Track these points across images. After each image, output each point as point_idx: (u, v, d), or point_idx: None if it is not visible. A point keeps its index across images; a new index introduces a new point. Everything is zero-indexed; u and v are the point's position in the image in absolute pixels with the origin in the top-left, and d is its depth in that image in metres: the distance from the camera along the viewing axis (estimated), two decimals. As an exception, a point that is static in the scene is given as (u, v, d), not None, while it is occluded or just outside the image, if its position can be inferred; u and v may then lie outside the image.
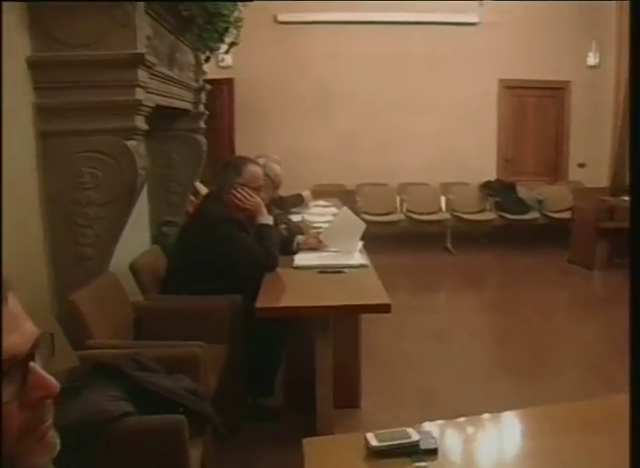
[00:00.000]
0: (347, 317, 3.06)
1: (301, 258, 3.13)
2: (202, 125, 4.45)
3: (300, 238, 3.41)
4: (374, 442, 1.27)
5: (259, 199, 3.08)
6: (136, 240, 3.65)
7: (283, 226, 3.91)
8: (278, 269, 2.95)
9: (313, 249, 3.33)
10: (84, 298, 2.44)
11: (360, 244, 3.39)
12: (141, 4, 2.60)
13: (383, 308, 2.39)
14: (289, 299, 2.55)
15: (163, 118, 4.17)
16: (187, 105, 4.10)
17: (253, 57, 7.47)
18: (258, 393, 3.13)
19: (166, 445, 1.70)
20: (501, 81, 7.58)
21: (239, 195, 3.03)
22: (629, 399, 1.14)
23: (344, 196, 6.46)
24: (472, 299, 5.56)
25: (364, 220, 6.69)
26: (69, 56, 2.49)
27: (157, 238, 3.83)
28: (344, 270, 2.90)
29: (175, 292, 2.97)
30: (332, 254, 3.18)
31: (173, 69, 3.52)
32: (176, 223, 3.93)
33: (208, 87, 4.46)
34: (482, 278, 6.25)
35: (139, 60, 2.51)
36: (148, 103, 2.70)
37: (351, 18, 7.36)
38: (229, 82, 7.33)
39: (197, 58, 4.23)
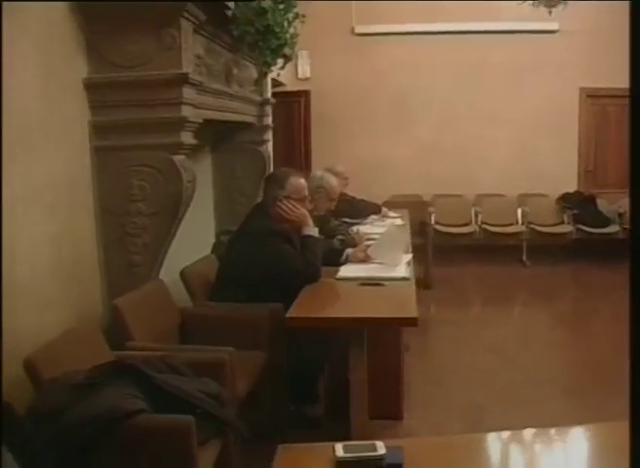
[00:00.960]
0: (387, 328, 3.08)
1: (347, 270, 3.18)
2: (266, 137, 4.60)
3: (349, 250, 3.45)
4: (340, 453, 1.30)
5: (304, 210, 3.15)
6: (199, 248, 3.85)
7: (339, 237, 3.97)
8: (321, 280, 3.01)
9: (362, 261, 3.36)
10: (127, 303, 2.61)
11: (408, 257, 3.38)
12: (190, 26, 2.75)
13: (410, 322, 2.40)
14: (318, 310, 2.60)
15: (227, 131, 4.38)
16: (250, 119, 4.27)
17: (330, 68, 7.61)
18: (300, 400, 3.19)
19: (175, 444, 1.81)
20: (583, 89, 7.30)
21: (285, 207, 3.12)
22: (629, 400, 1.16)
23: (418, 207, 6.42)
24: (540, 314, 5.39)
25: (437, 232, 6.76)
26: (121, 77, 2.69)
27: (215, 246, 3.99)
28: (385, 283, 2.91)
29: (223, 300, 3.09)
30: (378, 267, 3.20)
31: (230, 85, 3.69)
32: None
33: (272, 100, 4.60)
34: (554, 292, 6.02)
35: (183, 80, 2.67)
36: (195, 119, 2.85)
37: (428, 28, 7.34)
38: (306, 94, 7.50)
39: (260, 73, 4.38)
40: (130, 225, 2.83)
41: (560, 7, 5.00)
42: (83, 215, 2.73)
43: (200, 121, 2.92)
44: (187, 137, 2.82)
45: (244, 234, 3.13)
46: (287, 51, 3.61)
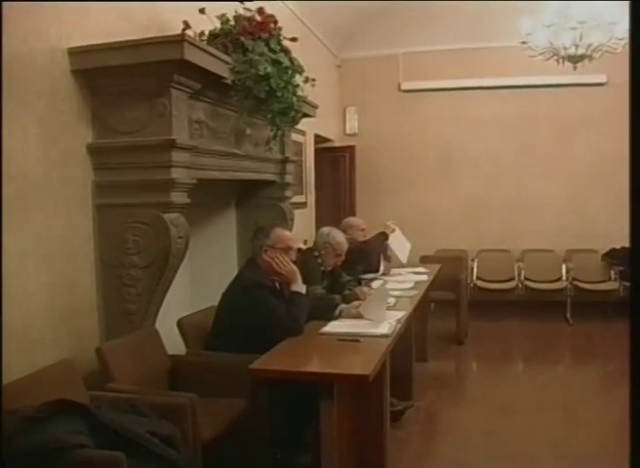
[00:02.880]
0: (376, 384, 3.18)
1: (333, 325, 3.33)
2: (287, 194, 4.86)
3: (343, 306, 3.60)
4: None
5: (294, 267, 3.36)
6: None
7: (346, 292, 4.12)
8: (305, 334, 3.18)
9: (355, 317, 3.49)
10: (113, 348, 2.89)
11: (399, 314, 3.50)
12: (183, 94, 3.08)
13: (360, 379, 2.52)
14: (280, 363, 2.75)
15: (249, 188, 4.69)
16: (268, 176, 4.55)
17: (377, 123, 7.90)
18: (287, 449, 3.32)
19: (107, 478, 2.02)
20: (634, 142, 7.17)
21: (277, 260, 3.34)
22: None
23: (454, 262, 6.47)
24: (568, 374, 5.27)
25: (477, 287, 6.76)
26: (119, 142, 3.04)
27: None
28: (361, 339, 3.04)
29: (216, 349, 3.31)
30: (364, 323, 3.33)
31: (242, 145, 3.98)
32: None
33: (294, 158, 4.88)
34: (591, 352, 5.84)
35: (171, 145, 2.97)
36: (187, 181, 3.15)
37: (473, 83, 7.51)
38: (351, 149, 7.78)
39: (275, 133, 4.68)
40: (126, 276, 3.13)
41: (585, 61, 5.07)
42: (83, 266, 3.06)
43: (193, 182, 3.21)
44: (178, 197, 3.10)
45: (234, 286, 3.36)
46: (293, 114, 3.86)
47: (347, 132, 8.05)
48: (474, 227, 7.64)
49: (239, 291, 3.31)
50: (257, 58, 3.45)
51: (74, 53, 2.89)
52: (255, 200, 4.82)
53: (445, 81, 7.58)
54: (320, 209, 7.27)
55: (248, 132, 4.06)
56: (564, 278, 6.99)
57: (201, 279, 4.70)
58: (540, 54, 5.23)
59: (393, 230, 5.15)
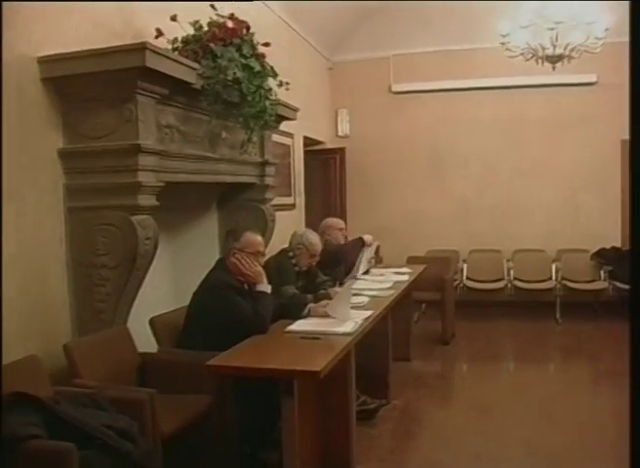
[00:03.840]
0: (340, 381, 3.30)
1: (299, 324, 3.45)
2: (268, 196, 4.98)
3: (312, 305, 3.72)
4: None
5: (260, 268, 3.50)
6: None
7: (321, 292, 4.23)
8: (270, 332, 3.31)
9: (322, 316, 3.60)
10: (81, 345, 3.04)
11: (365, 314, 3.61)
12: (150, 100, 3.21)
13: (312, 375, 2.63)
14: (237, 359, 2.87)
15: (230, 190, 4.82)
16: (246, 179, 4.68)
17: (369, 125, 8.02)
18: (256, 446, 3.44)
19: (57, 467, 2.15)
20: (625, 142, 7.23)
21: (243, 262, 3.47)
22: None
23: (442, 262, 6.56)
24: (551, 373, 5.35)
25: (467, 287, 6.86)
26: (88, 147, 3.18)
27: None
28: (321, 337, 3.16)
29: (186, 347, 3.44)
30: (330, 322, 3.44)
31: (217, 149, 4.11)
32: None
33: (273, 161, 4.99)
34: (577, 351, 5.90)
35: (137, 149, 3.11)
36: (155, 184, 3.29)
37: (464, 84, 7.61)
38: (341, 151, 7.90)
39: (263, 135, 4.82)
40: (96, 276, 3.27)
41: (564, 61, 5.15)
42: (55, 266, 3.20)
43: (161, 185, 3.35)
44: (146, 200, 3.24)
45: (203, 286, 3.49)
46: (267, 118, 3.98)
47: (339, 134, 8.17)
48: (465, 228, 7.73)
49: (207, 290, 3.45)
50: (225, 63, 3.58)
51: (43, 61, 3.02)
52: (235, 202, 4.96)
53: (436, 82, 7.68)
54: (311, 211, 7.39)
55: (224, 135, 4.19)
56: (554, 278, 7.06)
57: (184, 278, 4.81)
58: (520, 54, 5.32)
59: (370, 245, 5.24)
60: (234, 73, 3.64)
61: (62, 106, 3.19)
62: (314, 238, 4.28)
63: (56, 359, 3.05)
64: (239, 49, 3.80)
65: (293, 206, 6.79)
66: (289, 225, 6.16)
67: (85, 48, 3.07)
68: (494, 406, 4.39)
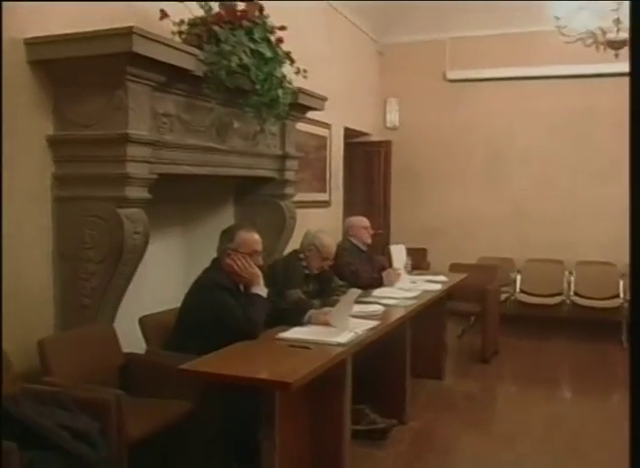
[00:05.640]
0: (330, 394, 3.36)
1: (294, 331, 3.52)
2: (288, 191, 5.07)
3: (313, 312, 3.78)
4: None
5: (256, 270, 3.59)
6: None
7: (334, 297, 4.29)
8: (260, 338, 3.40)
9: (323, 324, 3.66)
10: (57, 341, 3.20)
11: (369, 324, 3.65)
12: (143, 87, 3.35)
13: (283, 386, 2.71)
14: (212, 365, 2.96)
15: (248, 184, 4.94)
16: (262, 173, 4.79)
17: (420, 117, 8.01)
18: (244, 459, 3.53)
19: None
20: None
21: (239, 263, 3.57)
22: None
23: (485, 271, 6.51)
24: (596, 405, 5.17)
25: (518, 302, 6.78)
26: (77, 135, 3.35)
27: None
28: (311, 347, 3.22)
29: (174, 349, 3.56)
30: (327, 330, 3.50)
31: (226, 139, 4.22)
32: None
33: (296, 154, 5.08)
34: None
35: (125, 139, 3.25)
36: (146, 176, 3.42)
37: (526, 72, 7.49)
38: (387, 144, 7.91)
39: (284, 126, 4.91)
40: (81, 270, 3.44)
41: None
42: (39, 257, 3.38)
43: (154, 177, 3.48)
44: (135, 192, 3.38)
45: (195, 286, 3.61)
46: (280, 108, 4.06)
47: (388, 125, 8.17)
48: (522, 233, 7.63)
49: (199, 291, 3.56)
50: (229, 48, 3.68)
51: (31, 43, 3.20)
52: (252, 197, 5.08)
53: (495, 70, 7.59)
54: (351, 208, 7.43)
55: (235, 125, 4.29)
56: (621, 295, 6.86)
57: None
58: (578, 39, 5.20)
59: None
60: (240, 59, 3.74)
61: (53, 91, 3.37)
62: (326, 239, 4.34)
63: (36, 355, 3.22)
64: (250, 32, 3.91)
65: (327, 203, 6.87)
66: (323, 224, 6.23)
67: (83, 29, 3.20)
68: (519, 435, 4.33)
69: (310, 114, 5.45)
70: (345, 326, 3.52)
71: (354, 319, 3.73)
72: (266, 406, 2.95)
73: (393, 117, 8.13)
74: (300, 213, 5.76)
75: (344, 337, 3.37)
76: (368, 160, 7.88)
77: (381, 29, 7.92)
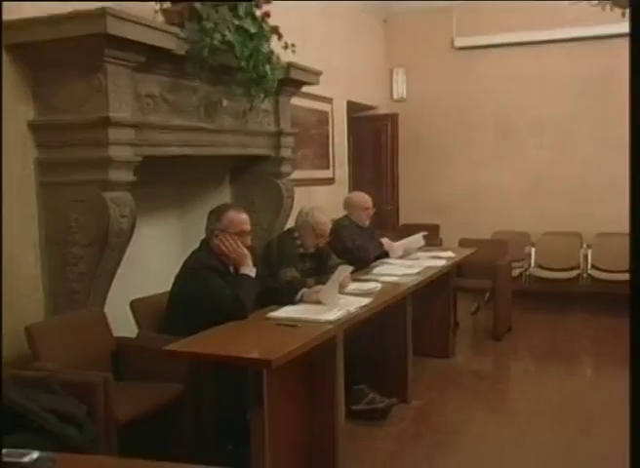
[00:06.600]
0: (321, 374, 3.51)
1: (285, 310, 3.67)
2: (285, 169, 5.21)
3: (305, 290, 3.91)
4: None
5: (245, 250, 3.72)
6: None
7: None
8: (251, 318, 3.55)
9: (315, 302, 3.80)
10: (46, 327, 3.38)
11: (362, 301, 3.78)
12: (123, 68, 3.49)
13: (265, 364, 2.85)
14: (196, 345, 3.12)
15: (244, 163, 5.08)
16: (256, 151, 4.92)
17: (427, 87, 8.09)
18: (236, 440, 3.70)
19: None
20: None
21: (227, 243, 3.71)
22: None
23: (500, 246, 6.60)
24: (608, 381, 5.26)
25: (534, 276, 6.86)
26: (58, 119, 3.49)
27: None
28: (298, 324, 3.37)
29: (167, 332, 3.72)
30: (318, 308, 3.63)
31: (215, 118, 4.35)
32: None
33: (291, 130, 5.20)
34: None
35: (107, 122, 3.39)
36: (130, 159, 3.57)
37: (539, 37, 7.50)
38: (393, 117, 7.99)
39: (277, 102, 5.04)
40: (69, 254, 3.61)
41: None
42: (27, 244, 3.56)
43: (138, 159, 3.63)
44: (119, 175, 3.53)
45: (183, 268, 3.76)
46: (268, 84, 4.18)
47: (394, 97, 8.24)
48: (539, 206, 7.71)
49: (187, 272, 3.71)
50: (211, 25, 3.79)
51: (5, 27, 3.32)
52: (248, 176, 5.24)
53: (506, 35, 7.63)
54: (359, 184, 7.54)
55: (224, 104, 4.42)
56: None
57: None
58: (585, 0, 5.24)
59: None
60: (223, 36, 3.85)
61: (32, 76, 3.51)
62: (321, 217, 4.45)
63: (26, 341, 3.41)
64: (234, 8, 4.02)
65: (331, 180, 6.99)
66: (327, 201, 6.37)
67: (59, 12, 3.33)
68: (525, 413, 4.45)
69: (310, 89, 5.56)
70: (335, 303, 3.66)
71: (348, 296, 3.87)
72: (254, 385, 3.10)
73: (400, 88, 8.20)
74: (303, 191, 5.91)
75: (334, 315, 3.51)
76: (375, 134, 7.97)
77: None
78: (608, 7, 5.22)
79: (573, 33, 7.36)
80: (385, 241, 5.43)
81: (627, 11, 5.10)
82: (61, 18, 3.24)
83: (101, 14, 3.16)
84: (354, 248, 5.03)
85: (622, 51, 7.07)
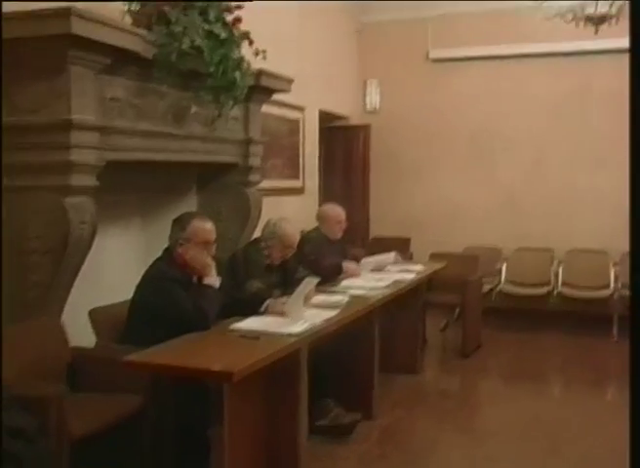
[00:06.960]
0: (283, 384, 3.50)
1: (249, 322, 3.66)
2: (253, 178, 5.19)
3: (270, 301, 3.91)
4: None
5: (208, 260, 3.71)
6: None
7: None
8: (212, 329, 3.53)
9: (280, 314, 3.79)
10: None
11: (327, 314, 3.78)
12: (87, 71, 3.45)
13: (226, 377, 2.84)
14: (156, 357, 3.09)
15: (211, 171, 5.06)
16: (224, 158, 4.91)
17: (401, 98, 8.14)
18: (196, 456, 3.65)
19: None
20: None
21: (190, 252, 3.69)
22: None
23: (471, 262, 6.64)
24: (577, 401, 5.28)
25: (504, 293, 6.91)
26: (21, 121, 3.43)
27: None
28: (261, 337, 3.36)
29: (127, 343, 3.68)
30: (282, 321, 3.63)
31: (183, 124, 4.33)
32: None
33: (260, 139, 5.19)
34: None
35: (69, 125, 3.35)
36: (94, 163, 3.53)
37: (515, 50, 7.58)
38: (366, 129, 8.02)
39: (247, 109, 5.03)
40: (26, 262, 3.54)
41: (606, 24, 5.14)
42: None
43: (102, 164, 3.59)
44: (80, 180, 3.48)
45: (145, 278, 3.73)
46: (238, 91, 4.17)
47: (367, 108, 8.28)
48: (512, 222, 7.77)
49: (148, 282, 3.69)
50: (179, 29, 3.78)
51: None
52: (216, 185, 5.21)
53: (482, 48, 7.69)
54: (329, 195, 7.54)
55: (193, 110, 4.40)
56: (612, 285, 6.99)
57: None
58: (557, 15, 5.32)
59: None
60: (192, 41, 3.84)
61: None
62: (289, 228, 4.45)
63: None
64: (204, 12, 4.01)
65: (301, 190, 6.98)
66: (296, 212, 6.38)
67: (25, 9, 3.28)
68: (492, 433, 4.45)
69: (282, 97, 5.57)
70: (300, 316, 3.65)
71: (314, 309, 3.87)
72: (215, 399, 3.08)
73: (373, 99, 8.24)
74: (271, 200, 5.89)
75: (298, 328, 3.51)
76: (346, 145, 7.99)
77: (359, 6, 8.00)
78: (582, 23, 5.29)
79: (547, 48, 7.44)
80: (349, 267, 5.30)
81: (600, 28, 5.19)
82: (24, 16, 3.20)
83: (66, 13, 3.13)
84: (307, 262, 4.97)
85: (599, 68, 7.29)
